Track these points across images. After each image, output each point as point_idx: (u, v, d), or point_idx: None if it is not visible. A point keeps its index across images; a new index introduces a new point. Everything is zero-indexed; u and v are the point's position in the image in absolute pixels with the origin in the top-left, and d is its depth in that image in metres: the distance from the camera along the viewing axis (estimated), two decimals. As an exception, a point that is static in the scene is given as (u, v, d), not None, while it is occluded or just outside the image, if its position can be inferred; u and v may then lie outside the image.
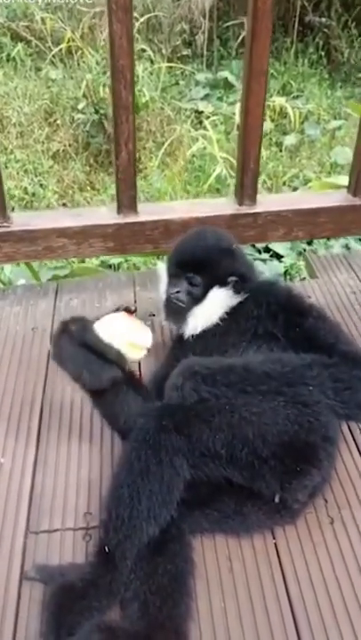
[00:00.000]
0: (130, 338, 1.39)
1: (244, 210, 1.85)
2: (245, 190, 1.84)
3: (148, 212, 1.85)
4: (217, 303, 1.51)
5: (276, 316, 1.47)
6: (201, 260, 1.55)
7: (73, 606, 1.15)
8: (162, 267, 1.64)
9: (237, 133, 4.64)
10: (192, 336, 1.54)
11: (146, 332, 1.45)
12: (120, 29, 1.52)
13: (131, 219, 1.81)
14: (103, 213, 1.86)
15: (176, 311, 1.55)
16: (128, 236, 1.82)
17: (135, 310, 1.46)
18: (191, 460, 1.24)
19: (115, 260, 3.56)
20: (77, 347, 1.33)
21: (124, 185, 1.76)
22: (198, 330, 1.52)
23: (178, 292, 1.54)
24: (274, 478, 1.26)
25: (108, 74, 4.80)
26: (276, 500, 1.29)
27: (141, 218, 1.82)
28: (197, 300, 1.53)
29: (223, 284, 1.52)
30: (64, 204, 4.77)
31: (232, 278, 1.53)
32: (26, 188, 4.79)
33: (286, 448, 1.25)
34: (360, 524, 1.37)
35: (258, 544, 1.33)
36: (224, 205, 1.90)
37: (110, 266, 3.60)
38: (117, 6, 1.48)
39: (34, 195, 4.80)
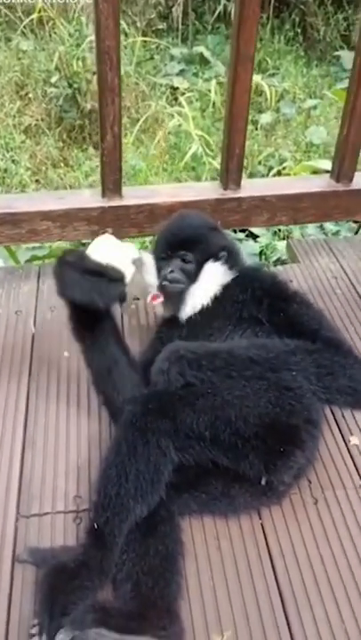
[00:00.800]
0: (119, 254, 1.42)
1: (229, 194, 1.86)
2: (230, 175, 1.84)
3: (132, 195, 1.84)
4: (212, 278, 1.54)
5: (261, 301, 1.50)
6: (190, 236, 1.57)
7: (66, 586, 1.18)
8: (147, 254, 1.63)
9: (218, 117, 4.60)
10: (179, 320, 1.56)
11: (128, 246, 1.47)
12: (106, 9, 1.50)
13: (115, 202, 1.80)
14: (87, 197, 1.85)
15: (174, 293, 1.55)
16: (112, 219, 1.82)
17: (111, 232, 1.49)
18: (177, 442, 1.28)
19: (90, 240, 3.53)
20: (80, 274, 1.36)
21: (109, 168, 1.76)
22: (197, 309, 1.54)
23: (172, 271, 1.54)
24: (257, 459, 1.30)
25: (83, 46, 4.66)
26: (263, 482, 1.33)
27: (126, 202, 1.82)
28: (192, 277, 1.54)
29: (215, 258, 1.55)
30: (37, 181, 4.70)
31: (223, 253, 1.55)
32: (-7, 164, 4.70)
33: (268, 429, 1.29)
34: (342, 504, 1.42)
35: (245, 524, 1.37)
36: (209, 190, 1.91)
37: (84, 244, 3.57)
38: (105, -14, 1.46)
39: (5, 171, 4.70)
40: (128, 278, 1.42)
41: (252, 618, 1.22)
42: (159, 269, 1.59)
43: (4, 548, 1.31)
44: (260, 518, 1.39)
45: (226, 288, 1.55)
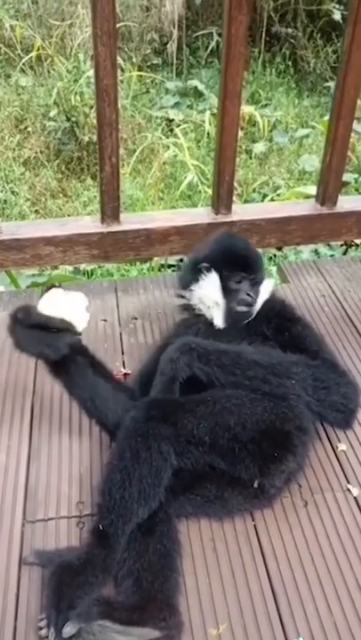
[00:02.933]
0: (70, 304, 1.49)
1: (221, 219, 1.98)
2: (221, 201, 1.97)
3: (130, 221, 1.96)
4: (267, 292, 1.66)
5: (271, 320, 1.62)
6: (260, 259, 1.68)
7: (71, 582, 1.25)
8: (213, 274, 1.63)
9: (213, 147, 4.75)
10: (193, 330, 1.65)
11: (78, 295, 1.53)
12: (104, 52, 1.64)
13: (114, 228, 1.92)
14: (88, 223, 1.96)
15: (244, 312, 1.62)
16: (111, 244, 1.93)
17: (60, 285, 1.55)
18: (178, 447, 1.37)
19: (87, 267, 3.64)
20: (28, 329, 1.45)
21: (108, 197, 1.88)
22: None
23: (249, 294, 1.61)
24: (253, 463, 1.39)
25: (81, 82, 4.84)
26: (256, 485, 1.42)
27: (124, 227, 1.93)
28: (258, 296, 1.64)
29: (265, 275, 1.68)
30: (36, 212, 4.83)
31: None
32: (-3, 196, 4.83)
33: (263, 435, 1.39)
34: (331, 507, 1.50)
35: (239, 526, 1.45)
36: (202, 215, 2.03)
37: (84, 273, 3.69)
38: (102, 32, 1.60)
39: (5, 202, 4.84)
40: (84, 324, 1.49)
41: (246, 613, 1.30)
42: (229, 290, 1.62)
43: (12, 552, 1.39)
44: (254, 520, 1.46)
45: None
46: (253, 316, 1.63)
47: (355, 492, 1.52)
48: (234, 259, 1.64)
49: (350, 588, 1.34)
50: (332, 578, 1.37)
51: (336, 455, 1.61)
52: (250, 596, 1.33)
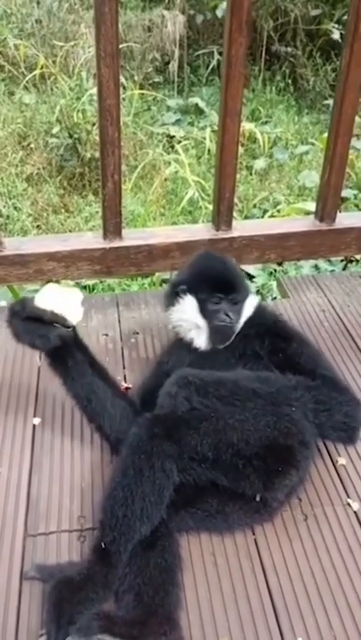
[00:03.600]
0: (65, 299, 1.52)
1: (221, 235, 2.00)
2: (221, 217, 1.99)
3: (131, 237, 1.99)
4: (249, 311, 1.66)
5: (263, 338, 1.62)
6: (237, 279, 1.67)
7: (72, 597, 1.26)
8: (189, 297, 1.65)
9: (213, 163, 4.80)
10: (185, 349, 1.66)
11: (73, 290, 1.55)
12: (107, 73, 1.67)
13: (116, 243, 1.94)
14: (90, 238, 1.99)
15: (225, 333, 1.62)
16: (113, 259, 1.96)
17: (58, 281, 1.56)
18: (180, 464, 1.37)
19: (88, 281, 3.67)
20: (24, 320, 1.48)
21: (110, 213, 1.90)
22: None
23: (226, 314, 1.61)
24: (258, 478, 1.39)
25: (83, 99, 4.89)
26: (258, 499, 1.42)
27: (126, 243, 1.96)
28: (239, 315, 1.64)
29: (247, 293, 1.68)
30: (38, 227, 4.87)
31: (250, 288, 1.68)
32: (0, 211, 4.88)
33: (267, 451, 1.39)
34: (331, 520, 1.51)
35: (239, 540, 1.46)
36: (202, 231, 2.05)
37: (85, 287, 3.72)
38: (106, 53, 1.64)
39: (8, 217, 4.88)
40: (78, 317, 1.52)
41: (247, 627, 1.30)
42: (208, 312, 1.62)
43: (13, 566, 1.39)
44: (254, 534, 1.47)
45: None
46: (235, 333, 1.63)
47: (355, 506, 1.53)
48: (210, 280, 1.64)
49: (350, 601, 1.35)
50: (333, 591, 1.37)
51: (336, 469, 1.62)
52: (250, 610, 1.33)
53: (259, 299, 1.84)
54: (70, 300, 1.52)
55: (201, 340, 1.64)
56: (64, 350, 1.52)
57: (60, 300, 1.51)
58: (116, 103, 1.72)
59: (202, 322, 1.63)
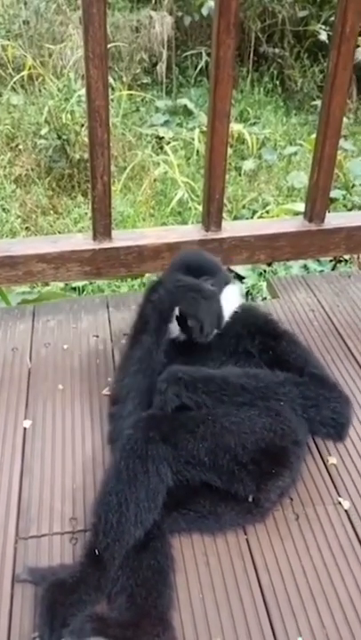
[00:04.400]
0: None
1: (211, 235, 2.01)
2: (211, 218, 2.00)
3: (121, 238, 1.99)
4: (231, 300, 1.65)
5: (254, 337, 1.62)
6: (210, 263, 1.68)
7: (65, 600, 1.25)
8: None
9: (202, 164, 4.81)
10: (177, 349, 1.66)
11: None
12: (96, 74, 1.67)
13: (106, 244, 1.94)
14: (80, 240, 1.98)
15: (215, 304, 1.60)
16: (103, 260, 1.96)
17: None
18: (175, 467, 1.37)
19: (78, 283, 3.67)
20: None
21: (99, 214, 1.90)
22: (221, 327, 1.63)
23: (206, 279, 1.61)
24: (251, 481, 1.40)
25: (72, 101, 4.89)
26: (250, 499, 1.43)
27: (116, 244, 1.96)
28: None
29: (228, 282, 1.68)
30: (27, 228, 4.85)
31: (231, 275, 1.68)
32: (-13, 213, 4.86)
33: (263, 453, 1.40)
34: (322, 520, 1.51)
35: (231, 540, 1.46)
36: (192, 232, 2.06)
37: (74, 288, 3.71)
38: (94, 55, 1.64)
39: (-4, 218, 4.87)
40: None
41: (240, 626, 1.30)
42: None
43: (4, 569, 1.38)
44: (246, 534, 1.47)
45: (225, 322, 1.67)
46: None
47: (345, 505, 1.54)
48: (180, 266, 1.66)
49: (342, 600, 1.35)
50: (324, 590, 1.37)
51: (327, 468, 1.63)
52: (243, 610, 1.33)
53: (248, 299, 1.83)
54: None
55: (177, 330, 1.65)
56: None
57: None
58: (105, 104, 1.73)
59: (175, 310, 1.63)
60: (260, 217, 4.66)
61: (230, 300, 1.66)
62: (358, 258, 3.20)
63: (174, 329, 1.66)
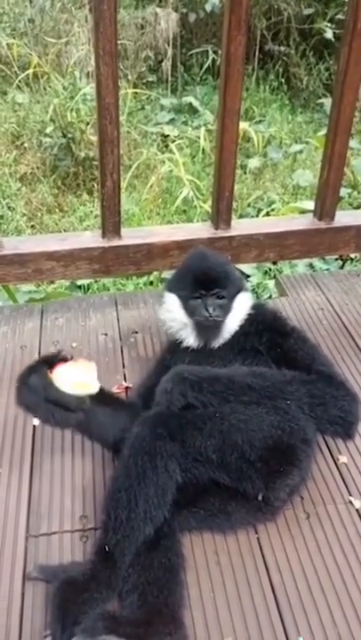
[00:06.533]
0: (80, 379, 1.48)
1: (220, 233, 2.01)
2: (221, 216, 1.99)
3: (130, 236, 1.98)
4: (243, 307, 1.63)
5: (262, 334, 1.61)
6: (221, 274, 1.63)
7: (76, 598, 1.25)
8: (171, 295, 1.66)
9: (207, 162, 4.80)
10: (183, 347, 1.66)
11: (92, 369, 1.52)
12: (106, 72, 1.67)
13: (115, 242, 1.94)
14: (89, 238, 1.98)
15: (212, 328, 1.61)
16: (112, 258, 1.95)
17: (72, 357, 1.54)
18: (184, 464, 1.36)
19: (83, 281, 3.66)
20: (41, 400, 1.44)
21: (109, 212, 1.90)
22: (226, 338, 1.62)
23: (214, 309, 1.59)
24: (260, 479, 1.39)
25: (77, 98, 4.88)
26: (260, 498, 1.42)
27: (125, 242, 1.95)
28: (227, 311, 1.61)
29: (240, 288, 1.65)
30: (32, 227, 4.85)
31: (246, 285, 1.65)
32: (-7, 211, 4.86)
33: (271, 451, 1.39)
34: (333, 519, 1.51)
35: (242, 539, 1.46)
36: (201, 230, 2.05)
37: (79, 287, 3.71)
38: (104, 52, 1.63)
39: (2, 217, 4.86)
40: (96, 389, 1.49)
41: (251, 625, 1.30)
42: (192, 308, 1.62)
43: (16, 567, 1.39)
44: (257, 533, 1.47)
45: None
46: (227, 329, 1.61)
47: (357, 504, 1.53)
48: (190, 277, 1.63)
49: (354, 599, 1.35)
50: (336, 589, 1.37)
51: (338, 467, 1.62)
52: (254, 609, 1.33)
53: (254, 297, 1.82)
54: (87, 374, 1.49)
55: (190, 338, 1.64)
56: None
57: (78, 376, 1.48)
58: (115, 102, 1.72)
59: (186, 319, 1.62)
60: (266, 215, 4.64)
61: (240, 309, 1.64)
62: (366, 256, 3.19)
63: (190, 339, 1.64)
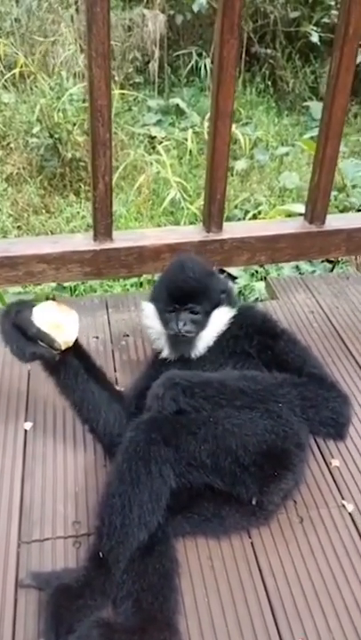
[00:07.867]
0: (58, 321, 1.49)
1: (212, 237, 2.00)
2: (212, 219, 1.99)
3: (122, 239, 1.97)
4: (220, 322, 1.62)
5: (252, 337, 1.61)
6: (196, 289, 1.60)
7: (70, 605, 1.24)
8: (149, 305, 1.68)
9: (195, 164, 4.79)
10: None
11: (72, 316, 1.52)
12: (99, 74, 1.65)
13: (107, 245, 1.93)
14: (80, 240, 1.96)
15: (185, 342, 1.60)
16: (104, 261, 1.94)
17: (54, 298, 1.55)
18: (178, 469, 1.36)
19: (70, 282, 3.64)
20: (12, 326, 1.47)
21: (101, 214, 1.89)
22: (203, 351, 1.61)
23: (184, 324, 1.58)
24: (254, 483, 1.39)
25: (63, 99, 4.85)
26: (253, 502, 1.42)
27: (116, 244, 1.94)
28: (201, 325, 1.60)
29: (218, 303, 1.63)
30: (19, 227, 4.82)
31: (223, 296, 1.64)
32: (-22, 211, 4.82)
33: (265, 455, 1.39)
34: (326, 522, 1.51)
35: (236, 543, 1.46)
36: (193, 233, 2.05)
37: (64, 288, 3.68)
38: (97, 54, 1.62)
39: (-13, 217, 4.82)
40: (73, 337, 1.49)
41: (246, 630, 1.30)
42: (166, 320, 1.62)
43: (7, 574, 1.37)
44: (250, 537, 1.47)
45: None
46: (201, 343, 1.60)
47: (349, 507, 1.54)
48: (166, 289, 1.63)
49: (348, 603, 1.35)
50: (330, 593, 1.37)
51: (330, 471, 1.63)
52: (248, 613, 1.33)
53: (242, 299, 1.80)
54: (66, 320, 1.49)
55: (165, 350, 1.64)
56: (59, 359, 1.49)
57: (57, 317, 1.48)
58: (108, 104, 1.71)
59: (161, 330, 1.63)
60: (254, 217, 4.65)
61: (216, 323, 1.62)
62: (356, 259, 3.21)
63: (165, 350, 1.65)
